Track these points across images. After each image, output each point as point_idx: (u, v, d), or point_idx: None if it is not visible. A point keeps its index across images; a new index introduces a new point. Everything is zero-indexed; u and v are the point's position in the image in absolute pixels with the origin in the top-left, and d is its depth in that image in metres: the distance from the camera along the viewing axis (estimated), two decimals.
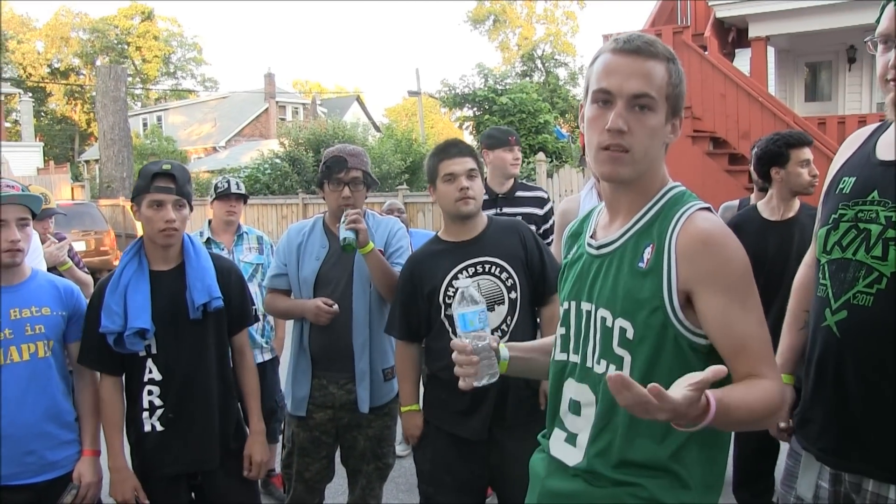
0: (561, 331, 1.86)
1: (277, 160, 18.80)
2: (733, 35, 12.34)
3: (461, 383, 1.83)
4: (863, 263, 1.94)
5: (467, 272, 2.99)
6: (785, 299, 2.53)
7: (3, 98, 34.81)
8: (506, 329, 2.98)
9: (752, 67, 11.56)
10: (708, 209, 1.68)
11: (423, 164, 19.82)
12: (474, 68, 26.06)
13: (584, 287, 1.78)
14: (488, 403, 2.96)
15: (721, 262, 1.59)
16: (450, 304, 2.98)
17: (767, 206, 3.88)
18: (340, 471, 3.59)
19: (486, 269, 3.00)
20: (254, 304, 3.20)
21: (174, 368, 2.75)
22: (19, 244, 2.64)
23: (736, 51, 12.78)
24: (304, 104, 39.49)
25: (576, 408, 1.78)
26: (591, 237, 1.83)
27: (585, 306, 1.76)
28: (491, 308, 2.96)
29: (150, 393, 2.76)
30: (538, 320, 3.20)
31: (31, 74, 48.46)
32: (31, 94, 41.96)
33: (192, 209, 2.84)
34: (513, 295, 3.00)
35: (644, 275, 1.64)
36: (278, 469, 4.87)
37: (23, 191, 2.69)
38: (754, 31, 11.28)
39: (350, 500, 3.56)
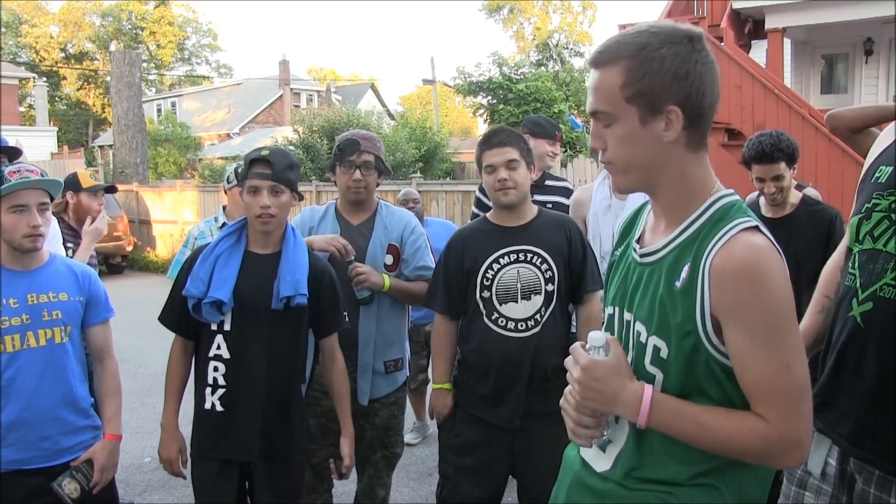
0: (607, 335, 1.76)
1: (291, 147, 18.79)
2: (749, 26, 12.25)
3: (578, 440, 1.73)
4: (892, 255, 1.92)
5: (509, 257, 3.06)
6: None
7: (17, 82, 35.00)
8: (539, 319, 3.05)
9: (767, 59, 11.47)
10: (755, 228, 1.53)
11: (436, 152, 19.99)
12: (489, 56, 25.98)
13: (627, 295, 1.72)
14: (517, 391, 3.02)
15: (748, 298, 1.47)
16: (487, 286, 3.06)
17: (766, 203, 3.89)
18: None
19: (527, 258, 3.05)
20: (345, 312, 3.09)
21: (242, 352, 2.76)
22: (40, 229, 2.66)
23: (752, 42, 12.68)
24: (318, 91, 39.48)
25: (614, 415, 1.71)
26: (638, 241, 1.75)
27: (627, 316, 1.71)
28: (527, 297, 3.04)
29: (215, 369, 2.78)
30: (573, 317, 3.25)
31: (44, 59, 48.51)
32: (45, 79, 42.01)
33: (299, 196, 2.90)
34: (550, 287, 3.05)
35: (679, 295, 1.56)
36: None
37: (41, 175, 2.71)
38: (771, 23, 11.19)
39: (359, 488, 3.59)
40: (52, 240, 3.28)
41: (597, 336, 1.62)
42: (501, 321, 3.06)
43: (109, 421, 2.86)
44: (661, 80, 1.52)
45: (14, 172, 2.65)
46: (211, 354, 2.78)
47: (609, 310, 1.81)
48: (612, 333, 1.76)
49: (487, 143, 3.11)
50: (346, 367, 3.30)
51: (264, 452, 2.79)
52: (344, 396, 3.03)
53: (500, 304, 3.06)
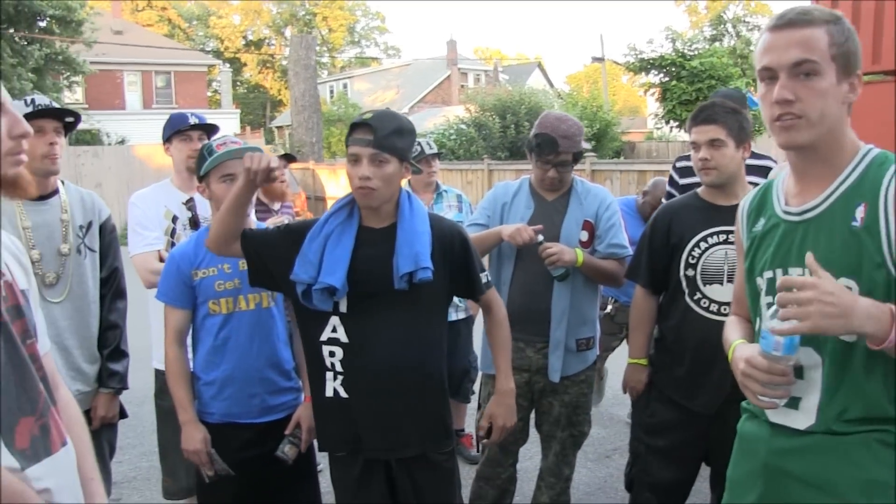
0: (767, 300, 1.85)
1: (463, 126, 19.00)
2: None
3: (760, 401, 1.78)
4: None
5: (717, 237, 2.94)
6: None
7: (205, 69, 37.20)
8: None
9: None
10: None
11: (607, 131, 19.70)
12: (662, 32, 25.21)
13: (791, 253, 1.79)
14: (715, 376, 2.90)
15: None
16: (692, 264, 2.95)
17: None
18: (534, 435, 3.59)
19: None
20: (484, 270, 2.72)
21: (362, 336, 2.44)
22: None
23: None
24: (485, 71, 39.76)
25: (797, 372, 1.76)
26: (785, 205, 1.85)
27: (796, 271, 1.77)
28: (733, 280, 2.88)
29: (331, 354, 2.47)
30: None
31: (227, 47, 51.38)
32: (228, 65, 44.44)
33: (413, 168, 2.57)
34: None
35: (860, 233, 1.67)
36: (467, 429, 4.96)
37: (244, 145, 2.82)
38: None
39: (543, 465, 3.56)
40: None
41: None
42: (704, 302, 2.94)
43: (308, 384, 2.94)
44: (854, 48, 1.72)
45: (221, 145, 2.79)
46: (325, 338, 2.47)
47: (768, 273, 1.85)
48: (774, 295, 1.75)
49: (694, 118, 3.00)
50: (538, 342, 3.28)
51: (413, 454, 2.53)
52: (505, 348, 2.74)
53: (704, 285, 2.94)
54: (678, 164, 4.45)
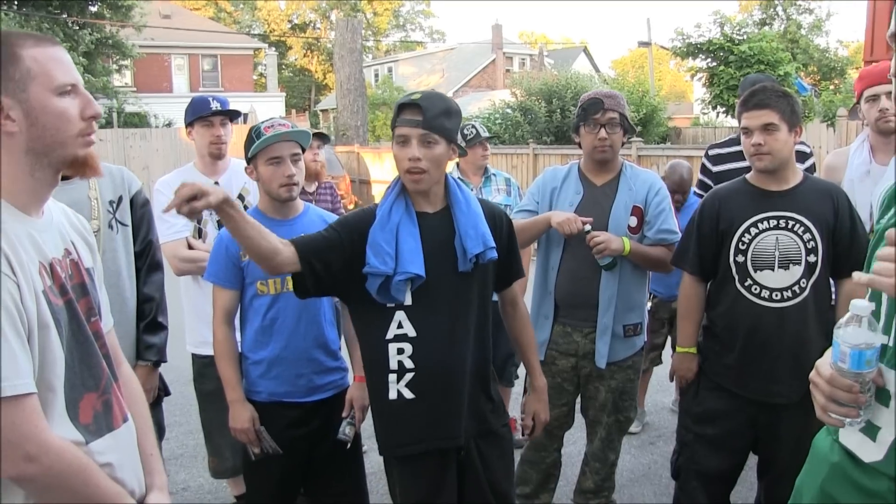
0: (871, 307, 1.55)
1: (509, 110, 18.91)
2: None
3: (828, 417, 1.54)
4: None
5: (768, 223, 2.88)
6: None
7: (251, 53, 37.49)
8: (797, 291, 2.87)
9: None
10: None
11: (653, 116, 19.46)
12: (710, 16, 24.79)
13: None
14: (766, 364, 2.89)
15: None
16: (742, 251, 2.91)
17: None
18: (579, 420, 3.59)
19: (788, 226, 2.87)
20: None
21: (432, 326, 2.40)
22: (294, 178, 2.79)
23: None
24: (530, 55, 39.49)
25: (884, 398, 1.51)
26: None
27: None
28: (785, 266, 2.87)
29: (399, 352, 2.40)
30: (833, 292, 3.02)
31: (273, 30, 51.72)
32: (274, 49, 44.72)
33: (460, 150, 2.48)
34: (811, 258, 2.86)
35: None
36: (511, 413, 4.95)
37: (292, 128, 2.82)
38: None
39: (588, 450, 3.55)
40: None
41: (861, 304, 1.45)
42: (755, 289, 2.90)
43: (359, 363, 2.94)
44: None
45: (268, 127, 2.79)
46: (391, 336, 2.40)
47: None
48: (880, 303, 1.55)
49: (745, 103, 2.93)
50: (585, 328, 3.27)
51: (476, 431, 2.53)
52: (532, 347, 2.81)
53: (755, 271, 2.90)
54: (711, 153, 4.41)
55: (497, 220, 2.55)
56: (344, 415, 2.87)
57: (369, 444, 3.08)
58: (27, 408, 1.41)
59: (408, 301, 2.38)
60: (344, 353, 3.02)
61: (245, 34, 44.15)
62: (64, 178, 2.87)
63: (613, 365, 3.31)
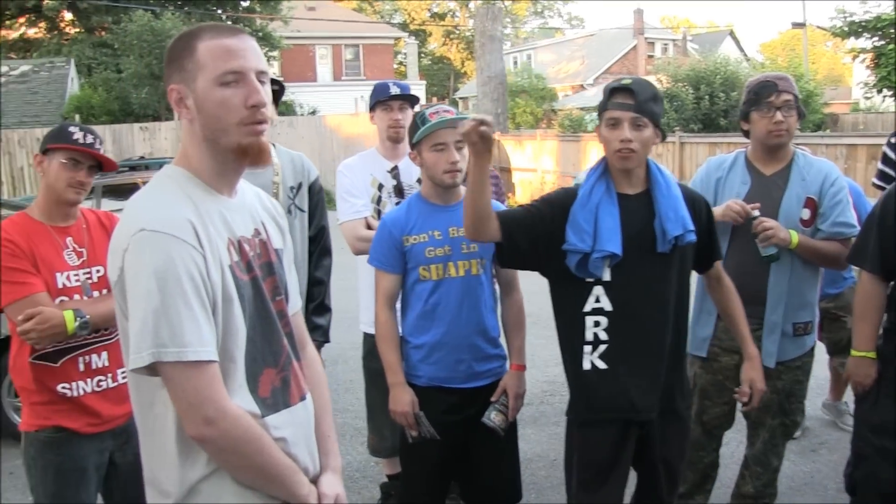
0: None
1: None
2: None
3: None
4: None
5: None
6: None
7: (392, 42, 38.16)
8: None
9: None
10: None
11: (808, 102, 18.45)
12: None
13: None
14: None
15: None
16: None
17: None
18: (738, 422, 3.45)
19: None
20: None
21: (628, 302, 2.52)
22: (458, 164, 2.78)
23: None
24: (673, 40, 38.43)
25: None
26: None
27: None
28: None
29: (596, 324, 2.55)
30: None
31: (413, 19, 52.40)
32: (414, 37, 45.29)
33: (662, 134, 2.57)
34: None
35: None
36: None
37: (457, 115, 2.80)
38: None
39: (749, 453, 3.40)
40: None
41: None
42: None
43: (517, 352, 2.94)
44: None
45: (433, 114, 2.79)
46: (588, 309, 2.54)
47: None
48: None
49: None
50: (751, 325, 3.10)
51: (660, 408, 2.61)
52: (742, 316, 2.84)
53: None
54: (893, 140, 4.10)
55: (697, 204, 2.64)
56: (493, 399, 2.85)
57: (525, 432, 3.07)
58: (209, 374, 1.49)
59: (606, 277, 2.51)
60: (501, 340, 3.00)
61: (386, 23, 44.95)
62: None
63: (781, 365, 3.15)
